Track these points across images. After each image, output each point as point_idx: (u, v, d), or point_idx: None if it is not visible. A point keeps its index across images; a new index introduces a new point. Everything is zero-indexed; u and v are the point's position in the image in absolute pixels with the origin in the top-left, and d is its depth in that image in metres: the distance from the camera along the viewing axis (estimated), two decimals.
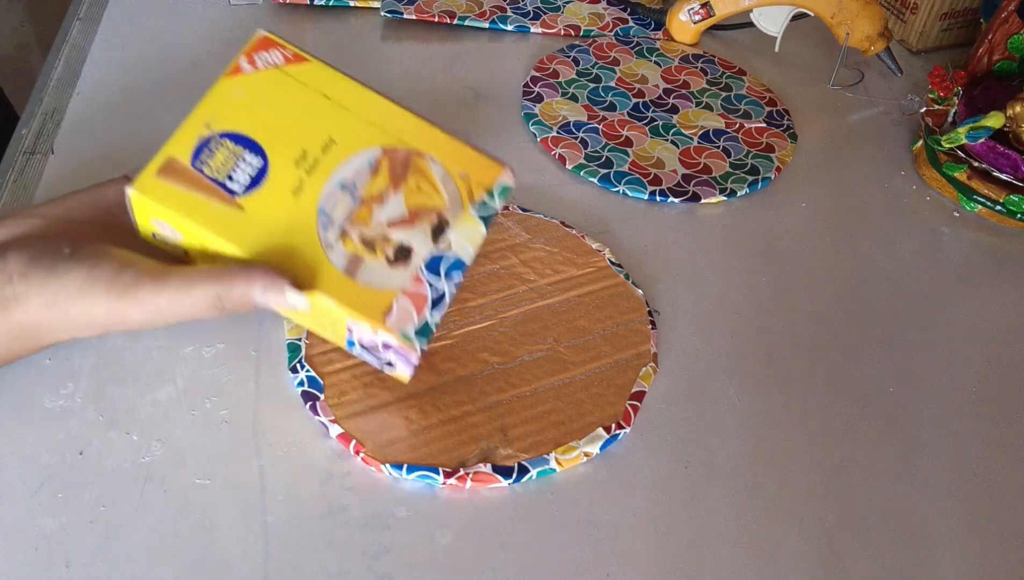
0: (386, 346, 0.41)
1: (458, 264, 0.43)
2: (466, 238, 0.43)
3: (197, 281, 0.40)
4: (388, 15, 0.75)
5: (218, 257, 0.42)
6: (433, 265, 0.42)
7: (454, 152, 0.45)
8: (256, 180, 0.42)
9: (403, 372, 0.43)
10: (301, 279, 0.40)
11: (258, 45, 0.44)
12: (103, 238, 0.43)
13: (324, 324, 0.42)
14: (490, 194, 0.44)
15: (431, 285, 0.42)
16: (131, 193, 0.41)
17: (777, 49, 0.76)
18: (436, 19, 0.76)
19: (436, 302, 0.41)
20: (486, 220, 0.44)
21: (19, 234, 0.43)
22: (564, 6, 0.80)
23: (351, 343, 0.43)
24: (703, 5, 0.75)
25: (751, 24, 0.77)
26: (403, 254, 0.42)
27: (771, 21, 0.76)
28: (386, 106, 0.45)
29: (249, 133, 0.42)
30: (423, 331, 0.41)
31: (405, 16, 0.75)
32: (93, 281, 0.40)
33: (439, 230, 0.43)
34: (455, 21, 0.76)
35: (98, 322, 0.41)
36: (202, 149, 0.42)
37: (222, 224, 0.41)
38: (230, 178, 0.41)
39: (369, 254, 0.41)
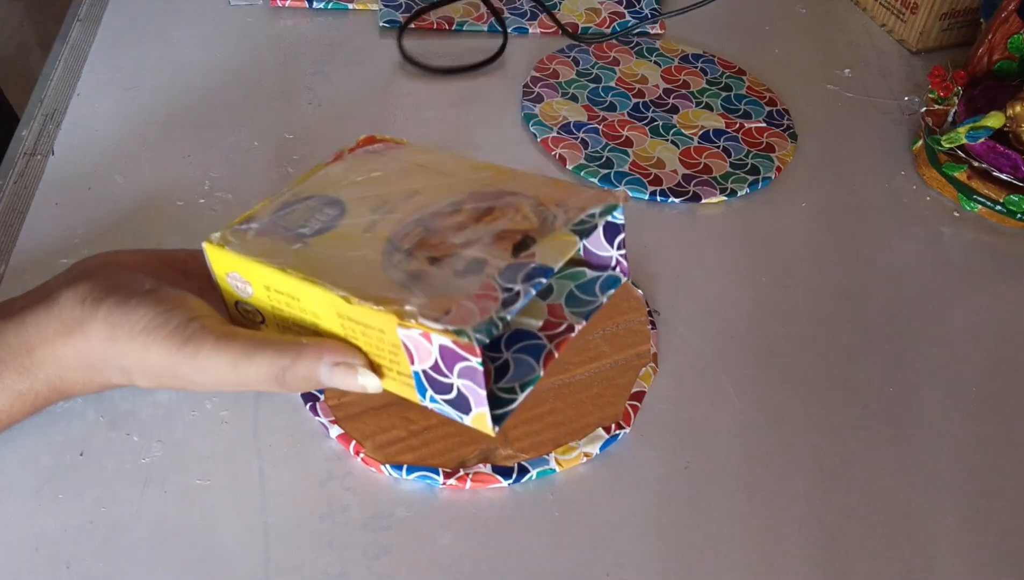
0: (448, 362, 0.35)
1: (540, 270, 0.36)
2: (554, 249, 0.37)
3: (262, 348, 0.37)
4: (386, 26, 0.75)
5: (291, 327, 0.40)
6: (509, 274, 0.36)
7: (555, 189, 0.41)
8: (329, 226, 0.40)
9: (479, 408, 0.36)
10: (352, 293, 0.36)
11: (364, 141, 0.46)
12: (190, 290, 0.40)
13: (384, 356, 0.37)
14: (590, 214, 0.39)
15: (503, 288, 0.36)
16: (205, 245, 0.39)
17: None
18: (435, 26, 0.76)
19: (508, 301, 0.35)
20: (582, 233, 0.38)
21: (109, 261, 0.41)
22: (560, 4, 0.80)
23: (420, 384, 0.37)
24: None
25: None
26: (475, 267, 0.37)
27: None
28: (489, 167, 0.43)
29: (333, 194, 0.41)
30: (484, 328, 0.34)
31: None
32: (158, 325, 0.37)
33: (522, 246, 0.38)
34: (452, 27, 0.76)
35: (152, 371, 0.38)
36: (283, 209, 0.41)
37: (279, 258, 0.38)
38: (303, 226, 0.40)
39: (433, 269, 0.37)
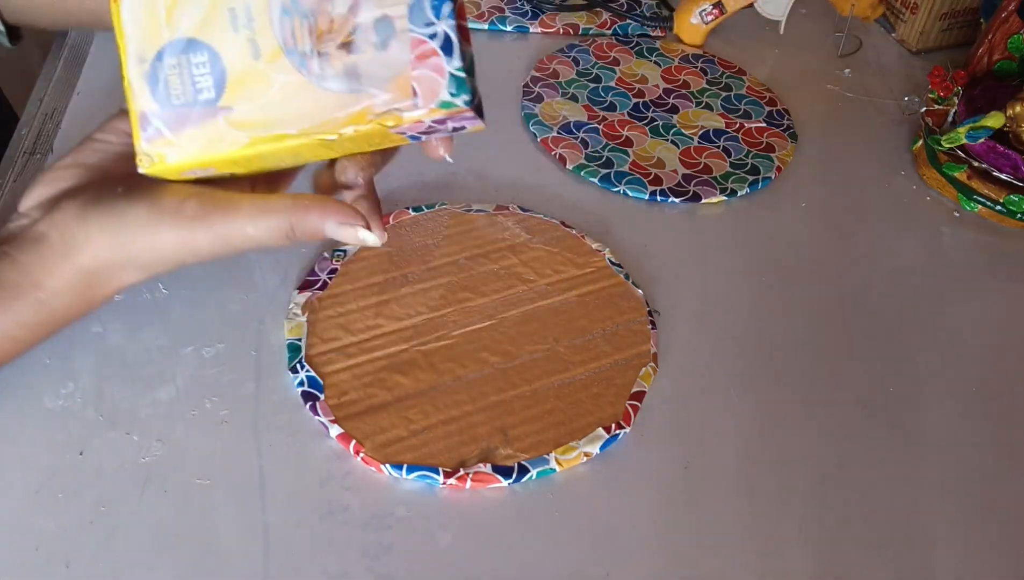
0: (441, 122, 0.37)
1: None
2: None
3: (271, 209, 0.39)
4: None
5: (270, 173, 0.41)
6: (417, 15, 0.35)
7: None
8: (218, 75, 0.37)
9: (475, 125, 0.39)
10: (319, 130, 0.36)
11: None
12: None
13: (374, 141, 0.39)
14: None
15: (430, 36, 0.35)
16: (146, 172, 0.39)
17: (782, 31, 0.76)
18: None
19: (446, 48, 0.35)
20: None
21: (65, 188, 0.41)
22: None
23: (414, 137, 0.39)
24: (715, 5, 0.75)
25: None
26: (384, 30, 0.36)
27: (775, 6, 0.76)
28: None
29: (178, 35, 0.37)
30: (458, 87, 0.36)
31: None
32: (157, 214, 0.39)
33: None
34: None
35: (167, 255, 0.40)
36: (155, 83, 0.38)
37: (225, 141, 0.37)
38: (197, 91, 0.37)
39: (356, 56, 0.36)
